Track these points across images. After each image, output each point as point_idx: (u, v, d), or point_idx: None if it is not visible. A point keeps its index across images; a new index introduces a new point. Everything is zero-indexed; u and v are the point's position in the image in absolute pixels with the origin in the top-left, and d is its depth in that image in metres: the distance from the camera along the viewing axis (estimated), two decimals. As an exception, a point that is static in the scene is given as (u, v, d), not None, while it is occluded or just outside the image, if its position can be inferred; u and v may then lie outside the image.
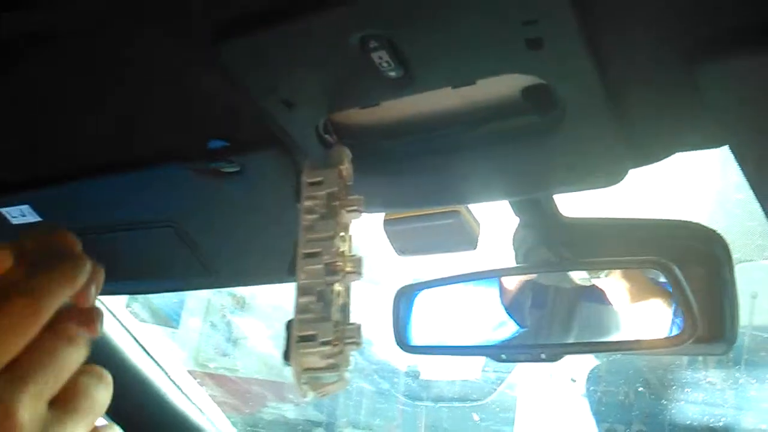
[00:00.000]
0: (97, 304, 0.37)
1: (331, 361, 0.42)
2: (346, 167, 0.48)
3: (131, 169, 0.68)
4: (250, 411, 3.04)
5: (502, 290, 0.80)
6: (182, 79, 0.55)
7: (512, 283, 0.80)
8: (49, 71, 0.56)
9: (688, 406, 2.40)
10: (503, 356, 0.76)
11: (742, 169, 0.47)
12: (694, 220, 0.71)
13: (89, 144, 0.68)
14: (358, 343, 0.43)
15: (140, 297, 2.24)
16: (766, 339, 2.28)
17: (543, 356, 0.73)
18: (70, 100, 0.61)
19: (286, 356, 0.42)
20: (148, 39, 0.50)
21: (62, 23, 0.49)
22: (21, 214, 0.80)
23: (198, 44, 0.48)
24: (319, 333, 0.42)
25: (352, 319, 0.44)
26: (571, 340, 0.79)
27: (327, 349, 0.42)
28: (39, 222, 0.80)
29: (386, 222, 0.76)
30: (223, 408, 1.33)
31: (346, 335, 0.43)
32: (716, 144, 0.50)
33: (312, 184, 0.47)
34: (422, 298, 0.84)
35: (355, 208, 0.46)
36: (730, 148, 0.47)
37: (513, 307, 0.80)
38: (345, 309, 0.44)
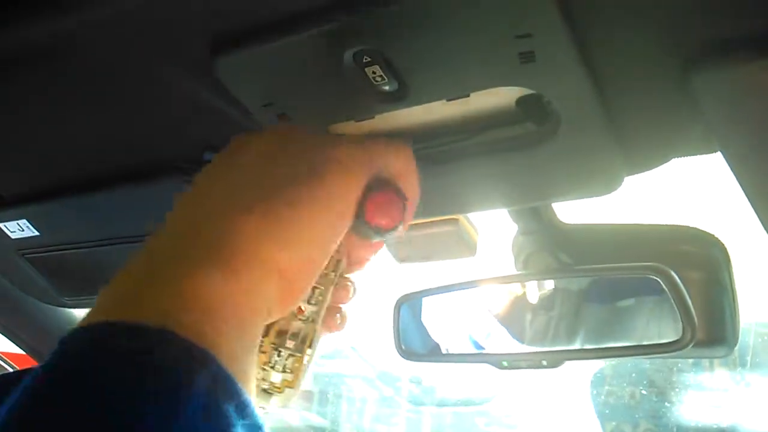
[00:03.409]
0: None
1: (286, 376, 0.42)
2: None
3: (128, 183, 0.68)
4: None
5: (495, 303, 0.80)
6: (179, 93, 0.55)
7: (505, 297, 0.81)
8: (45, 85, 0.57)
9: (693, 407, 2.39)
10: (504, 363, 0.76)
11: (736, 176, 0.47)
12: (693, 225, 0.71)
13: (85, 158, 0.68)
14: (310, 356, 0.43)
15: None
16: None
17: (544, 363, 0.73)
18: (67, 114, 0.62)
19: None
20: (144, 52, 0.50)
21: (55, 37, 0.49)
22: (20, 229, 0.80)
23: (194, 57, 0.49)
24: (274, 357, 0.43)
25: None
26: (576, 344, 0.79)
27: (280, 366, 0.43)
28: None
29: (385, 231, 0.76)
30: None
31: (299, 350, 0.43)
32: (710, 151, 0.51)
33: None
34: (423, 306, 0.84)
35: None
36: (723, 154, 0.47)
37: (508, 319, 0.80)
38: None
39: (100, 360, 0.29)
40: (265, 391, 0.43)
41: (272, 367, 0.43)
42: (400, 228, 0.40)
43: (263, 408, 0.43)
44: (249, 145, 0.41)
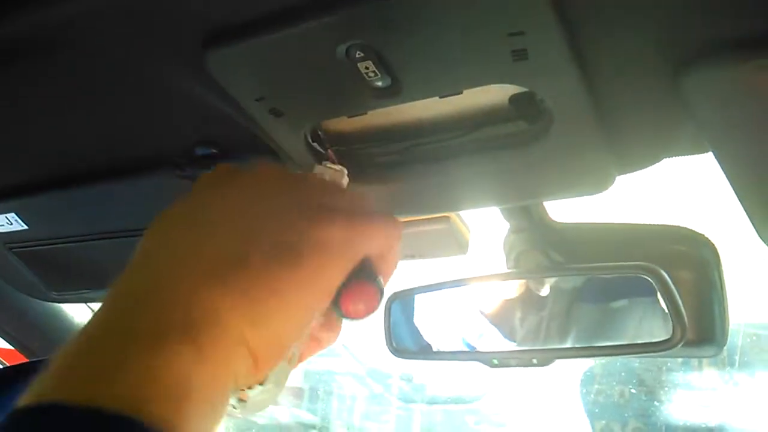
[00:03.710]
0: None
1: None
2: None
3: (118, 177, 0.68)
4: (243, 414, 3.03)
5: (485, 303, 0.80)
6: (170, 86, 0.55)
7: (497, 296, 0.81)
8: (35, 79, 0.56)
9: (682, 406, 2.41)
10: (495, 362, 0.76)
11: (726, 175, 0.48)
12: (684, 225, 0.71)
13: (75, 152, 0.68)
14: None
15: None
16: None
17: (534, 361, 0.73)
18: (57, 107, 0.61)
19: None
20: (136, 46, 0.50)
21: (44, 31, 0.48)
22: (8, 222, 0.79)
23: (186, 51, 0.48)
24: None
25: None
26: (568, 343, 0.80)
27: None
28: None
29: (376, 228, 0.76)
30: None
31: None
32: (701, 151, 0.51)
33: None
34: (414, 304, 0.84)
35: None
36: (715, 155, 0.47)
37: (499, 319, 0.80)
38: None
39: None
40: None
41: None
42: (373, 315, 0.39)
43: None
44: (228, 190, 0.37)
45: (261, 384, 0.39)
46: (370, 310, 0.38)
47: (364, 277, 0.37)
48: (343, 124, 0.55)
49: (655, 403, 2.45)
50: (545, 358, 0.73)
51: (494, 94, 0.50)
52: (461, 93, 0.47)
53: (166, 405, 0.28)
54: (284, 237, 0.34)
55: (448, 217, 0.72)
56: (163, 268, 0.33)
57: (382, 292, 0.38)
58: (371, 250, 0.38)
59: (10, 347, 1.23)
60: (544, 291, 0.77)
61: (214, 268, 0.32)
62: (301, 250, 0.34)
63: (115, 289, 0.32)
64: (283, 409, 3.12)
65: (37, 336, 1.17)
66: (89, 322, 0.31)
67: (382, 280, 0.38)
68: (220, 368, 0.31)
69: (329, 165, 0.44)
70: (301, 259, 0.34)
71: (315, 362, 3.10)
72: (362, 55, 0.43)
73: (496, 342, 0.80)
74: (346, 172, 0.44)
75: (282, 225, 0.35)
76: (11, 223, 0.80)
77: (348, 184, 0.45)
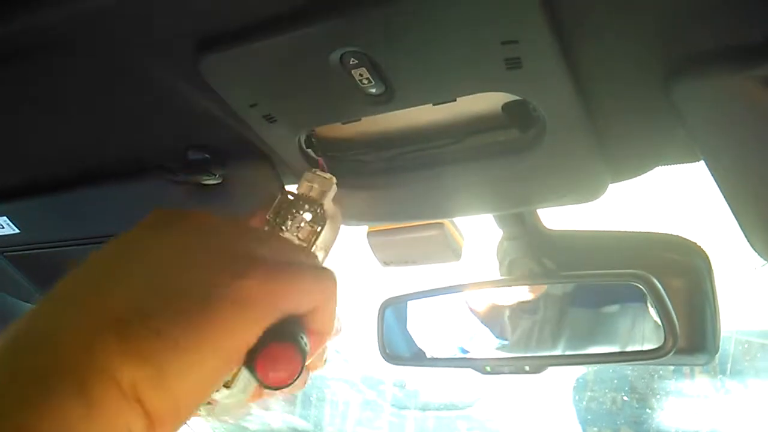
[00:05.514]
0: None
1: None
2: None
3: (111, 181, 0.68)
4: (234, 420, 3.02)
5: (475, 306, 0.80)
6: (164, 91, 0.55)
7: (484, 300, 0.81)
8: (27, 82, 0.56)
9: (674, 413, 2.42)
10: (487, 368, 0.76)
11: (717, 183, 0.48)
12: (676, 233, 0.72)
13: (68, 155, 0.67)
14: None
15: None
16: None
17: (527, 368, 0.73)
18: (50, 111, 0.61)
19: None
20: (130, 49, 0.50)
21: (36, 34, 0.48)
22: None
23: (180, 56, 0.48)
24: None
25: None
26: (559, 350, 0.80)
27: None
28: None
29: (370, 234, 0.76)
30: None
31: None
32: (693, 159, 0.51)
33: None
34: (407, 310, 0.84)
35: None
36: (706, 163, 0.48)
37: (489, 317, 0.80)
38: None
39: None
40: None
41: None
42: (297, 382, 0.34)
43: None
44: (149, 241, 0.35)
45: (227, 388, 0.37)
46: (289, 376, 0.33)
47: (284, 337, 0.33)
48: (337, 130, 0.55)
49: (648, 410, 2.45)
50: (538, 365, 0.73)
51: (488, 101, 0.50)
52: (455, 100, 0.48)
53: None
54: (196, 290, 0.32)
55: (441, 224, 0.72)
56: (68, 311, 0.31)
57: (304, 355, 0.34)
58: (299, 307, 0.35)
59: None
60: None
61: (116, 320, 0.30)
62: (212, 304, 0.31)
63: (22, 321, 0.31)
64: (276, 415, 3.10)
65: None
66: None
67: (307, 341, 0.34)
68: (111, 425, 0.29)
69: (318, 173, 0.43)
70: (212, 315, 0.31)
71: (308, 368, 3.08)
72: (356, 62, 0.43)
73: (488, 341, 0.80)
74: (335, 181, 0.43)
75: (196, 278, 0.32)
76: (3, 227, 0.79)
77: (335, 192, 0.43)
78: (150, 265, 0.33)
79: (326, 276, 0.37)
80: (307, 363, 0.35)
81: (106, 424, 0.28)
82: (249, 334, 0.32)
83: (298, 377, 0.34)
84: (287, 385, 0.34)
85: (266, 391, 0.38)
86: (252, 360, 0.32)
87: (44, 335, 0.30)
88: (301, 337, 0.34)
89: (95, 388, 0.28)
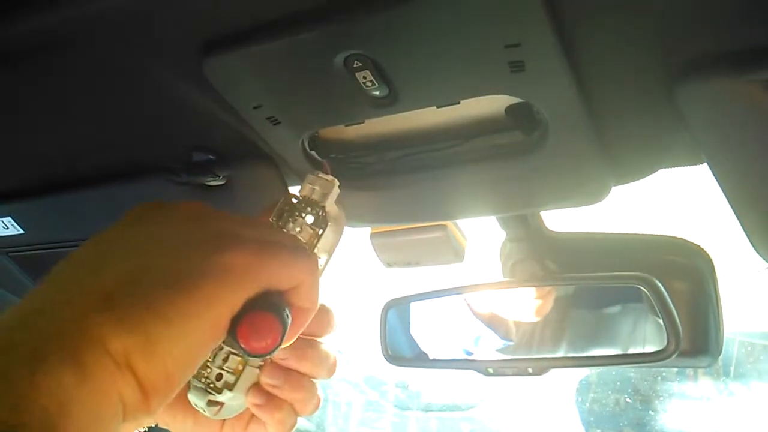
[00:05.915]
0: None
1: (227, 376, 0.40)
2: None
3: (115, 182, 0.68)
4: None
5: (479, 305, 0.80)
6: (168, 92, 0.55)
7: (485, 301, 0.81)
8: (32, 82, 0.56)
9: (677, 416, 2.41)
10: (490, 370, 0.76)
11: (720, 186, 0.48)
12: (679, 235, 0.72)
13: (72, 156, 0.67)
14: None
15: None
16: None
17: (530, 370, 0.73)
18: (55, 111, 0.61)
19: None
20: (135, 50, 0.50)
21: (41, 35, 0.48)
22: (4, 227, 0.79)
23: (185, 58, 0.48)
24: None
25: None
26: (562, 351, 0.80)
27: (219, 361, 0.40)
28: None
29: (373, 235, 0.76)
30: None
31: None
32: (696, 162, 0.51)
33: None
34: (410, 311, 0.84)
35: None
36: (709, 166, 0.48)
37: (493, 320, 0.80)
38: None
39: None
40: (200, 389, 0.40)
41: (212, 361, 0.40)
42: (279, 350, 0.36)
43: (197, 406, 0.40)
44: (140, 224, 0.37)
45: (230, 390, 0.39)
46: (271, 344, 0.35)
47: (266, 308, 0.35)
48: (341, 132, 0.56)
49: (651, 412, 2.45)
50: (540, 367, 0.73)
51: (491, 104, 0.50)
52: (458, 103, 0.48)
53: (45, 423, 0.27)
54: (182, 264, 0.34)
55: (445, 226, 0.72)
56: (61, 289, 0.33)
57: (285, 326, 0.35)
58: (279, 281, 0.36)
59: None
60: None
61: (107, 295, 0.32)
62: (198, 277, 0.33)
63: (20, 303, 0.32)
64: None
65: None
66: None
67: (289, 313, 0.36)
68: (104, 392, 0.30)
69: (321, 175, 0.43)
70: (195, 286, 0.33)
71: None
72: (360, 64, 0.43)
73: (493, 343, 0.80)
74: (337, 183, 0.43)
75: (183, 252, 0.34)
76: (7, 228, 0.80)
77: (338, 194, 0.43)
78: (138, 245, 0.35)
79: (305, 255, 0.38)
80: (292, 340, 0.38)
81: (98, 392, 0.30)
82: (230, 303, 0.34)
83: (278, 346, 0.35)
84: (268, 353, 0.35)
85: (250, 360, 0.40)
86: (234, 328, 0.34)
87: (39, 311, 0.31)
88: (284, 309, 0.36)
89: (88, 356, 0.30)
